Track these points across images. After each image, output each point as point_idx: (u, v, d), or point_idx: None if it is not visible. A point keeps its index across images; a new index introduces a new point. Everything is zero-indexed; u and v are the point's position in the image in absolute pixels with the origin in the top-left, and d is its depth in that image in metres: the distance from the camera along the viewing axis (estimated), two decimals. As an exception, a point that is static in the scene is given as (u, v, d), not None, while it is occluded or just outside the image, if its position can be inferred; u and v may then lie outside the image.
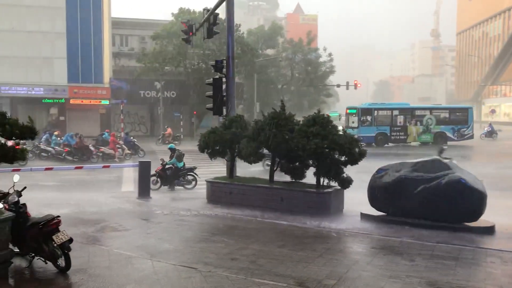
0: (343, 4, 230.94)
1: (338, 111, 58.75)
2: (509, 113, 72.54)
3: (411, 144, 34.38)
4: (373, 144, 33.06)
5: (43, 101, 39.07)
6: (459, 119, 35.45)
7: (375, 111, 34.75)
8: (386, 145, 33.61)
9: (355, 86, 52.89)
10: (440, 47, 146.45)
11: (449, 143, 34.01)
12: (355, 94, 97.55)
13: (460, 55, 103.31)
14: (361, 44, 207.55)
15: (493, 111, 69.54)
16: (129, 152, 27.33)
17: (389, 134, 33.95)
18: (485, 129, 42.01)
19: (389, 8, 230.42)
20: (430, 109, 36.09)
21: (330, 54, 56.27)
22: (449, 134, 34.66)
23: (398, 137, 34.04)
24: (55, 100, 39.83)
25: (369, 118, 34.42)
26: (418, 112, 35.20)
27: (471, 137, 35.19)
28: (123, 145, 27.43)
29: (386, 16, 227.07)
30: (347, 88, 53.44)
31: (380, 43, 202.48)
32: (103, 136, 29.25)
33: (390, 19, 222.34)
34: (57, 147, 26.09)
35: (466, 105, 40.71)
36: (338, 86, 55.70)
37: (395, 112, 35.14)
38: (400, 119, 34.86)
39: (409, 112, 35.40)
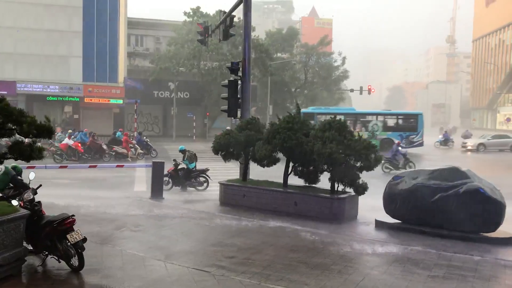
0: (359, 8, 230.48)
1: None
2: (525, 122, 71.51)
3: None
4: None
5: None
6: (408, 125, 34.20)
7: (317, 116, 33.32)
8: None
9: (369, 91, 52.63)
10: (456, 53, 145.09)
11: None
12: (368, 99, 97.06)
13: (476, 62, 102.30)
14: (375, 49, 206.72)
15: (508, 119, 68.69)
16: (142, 152, 27.42)
17: None
18: (440, 137, 40.86)
19: (405, 14, 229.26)
20: (377, 115, 34.85)
21: (344, 58, 55.99)
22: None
23: None
24: (69, 98, 40.13)
25: (312, 122, 33.36)
26: (363, 118, 33.96)
27: (421, 144, 33.89)
28: (136, 145, 27.53)
29: (402, 22, 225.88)
30: (361, 93, 53.21)
31: (395, 48, 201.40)
32: (116, 135, 29.35)
33: (406, 24, 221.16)
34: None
35: (416, 111, 38.60)
36: (352, 90, 55.49)
37: (339, 117, 33.97)
38: None
39: (353, 117, 34.11)
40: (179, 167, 16.98)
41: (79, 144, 25.06)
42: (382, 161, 24.45)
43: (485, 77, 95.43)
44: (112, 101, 41.13)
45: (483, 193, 9.75)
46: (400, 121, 34.62)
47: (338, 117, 33.77)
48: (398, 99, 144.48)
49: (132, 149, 26.76)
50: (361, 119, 33.94)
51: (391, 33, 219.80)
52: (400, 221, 10.88)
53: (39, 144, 7.27)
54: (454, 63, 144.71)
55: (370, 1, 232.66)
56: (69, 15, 40.28)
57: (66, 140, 24.74)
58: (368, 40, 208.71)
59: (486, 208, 9.71)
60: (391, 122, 34.51)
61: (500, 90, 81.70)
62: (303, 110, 35.33)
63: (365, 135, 32.36)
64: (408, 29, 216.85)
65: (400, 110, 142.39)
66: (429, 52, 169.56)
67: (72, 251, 7.05)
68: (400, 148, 23.05)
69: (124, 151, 25.99)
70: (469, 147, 36.87)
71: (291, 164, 12.56)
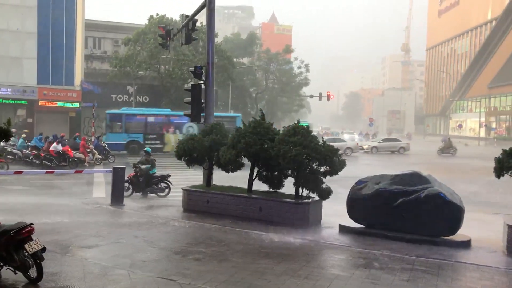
0: (318, 16, 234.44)
1: (307, 121, 58.37)
2: (474, 128, 74.85)
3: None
4: (125, 152, 32.04)
5: None
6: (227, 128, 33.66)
7: (126, 117, 32.85)
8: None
9: (328, 97, 53.56)
10: (410, 61, 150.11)
11: None
12: (327, 105, 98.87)
13: (429, 70, 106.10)
14: (333, 56, 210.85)
15: (460, 126, 71.55)
16: (100, 157, 26.71)
17: (142, 142, 31.62)
18: None
19: (362, 22, 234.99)
20: None
21: (306, 66, 56.72)
22: None
23: (154, 146, 30.15)
24: (23, 101, 38.56)
25: (119, 124, 32.70)
26: (178, 119, 32.87)
27: None
28: (94, 150, 26.78)
29: (359, 30, 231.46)
30: (320, 99, 54.08)
31: (352, 55, 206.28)
32: (75, 140, 28.41)
33: (363, 32, 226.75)
34: (24, 150, 25.20)
35: (234, 113, 37.11)
36: (311, 96, 56.32)
37: (150, 119, 33.40)
38: (156, 127, 33.18)
39: (166, 118, 33.62)
40: (141, 168, 16.51)
41: (69, 149, 24.62)
42: None
43: (438, 85, 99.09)
44: (68, 104, 39.89)
45: (444, 197, 10.00)
46: None
47: (148, 118, 32.32)
48: (355, 105, 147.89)
49: (90, 154, 26.01)
50: (176, 121, 33.05)
51: (348, 42, 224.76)
52: (363, 226, 11.01)
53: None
54: (409, 71, 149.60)
55: (327, 10, 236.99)
56: (23, 15, 38.80)
57: (54, 146, 24.26)
58: (325, 48, 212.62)
59: (446, 212, 9.96)
60: None
61: (452, 97, 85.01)
62: (112, 111, 33.66)
63: (179, 137, 30.31)
64: (364, 37, 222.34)
65: (357, 115, 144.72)
66: (385, 60, 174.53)
67: (30, 262, 6.70)
68: None
69: (82, 156, 25.20)
70: None
71: (255, 170, 12.50)
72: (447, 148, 40.59)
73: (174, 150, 14.07)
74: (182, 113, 35.01)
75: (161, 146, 32.89)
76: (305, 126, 12.11)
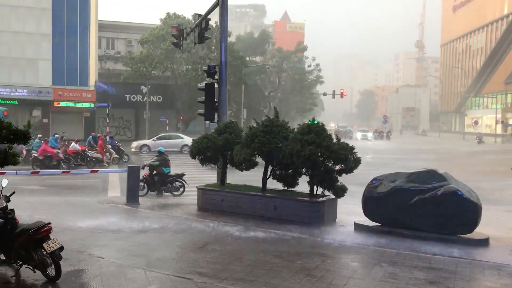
0: (330, 13, 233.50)
1: (318, 120, 57.80)
2: (491, 125, 73.82)
3: None
4: None
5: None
6: None
7: None
8: None
9: (342, 95, 53.27)
10: (424, 58, 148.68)
11: None
12: (340, 103, 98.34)
13: (444, 67, 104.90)
14: (346, 53, 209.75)
15: (476, 122, 70.70)
16: (117, 156, 26.93)
17: None
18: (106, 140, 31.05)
19: (375, 19, 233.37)
20: None
21: (317, 65, 56.47)
22: None
23: None
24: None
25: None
26: None
27: None
28: (111, 149, 27.00)
29: (372, 26, 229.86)
30: (333, 97, 53.84)
31: (365, 52, 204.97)
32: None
33: (376, 29, 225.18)
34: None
35: None
36: (325, 94, 56.06)
37: None
38: None
39: None
40: (152, 167, 16.57)
41: (86, 148, 25.12)
42: None
43: (453, 81, 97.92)
44: (83, 105, 40.31)
45: (461, 195, 9.88)
46: None
47: None
48: (369, 102, 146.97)
49: (107, 154, 26.23)
50: None
51: (362, 38, 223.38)
52: (379, 224, 10.93)
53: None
54: (423, 68, 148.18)
55: (340, 6, 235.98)
56: (38, 16, 39.33)
57: (73, 145, 24.59)
58: (339, 45, 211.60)
59: (463, 210, 9.83)
60: None
61: (467, 93, 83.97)
62: None
63: None
64: (378, 34, 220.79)
65: (371, 113, 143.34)
66: (398, 56, 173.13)
67: (49, 261, 6.77)
68: None
69: (99, 156, 25.42)
70: (132, 149, 33.14)
71: (269, 168, 12.48)
72: None
73: (189, 149, 14.13)
74: None
75: None
76: (320, 124, 12.05)
